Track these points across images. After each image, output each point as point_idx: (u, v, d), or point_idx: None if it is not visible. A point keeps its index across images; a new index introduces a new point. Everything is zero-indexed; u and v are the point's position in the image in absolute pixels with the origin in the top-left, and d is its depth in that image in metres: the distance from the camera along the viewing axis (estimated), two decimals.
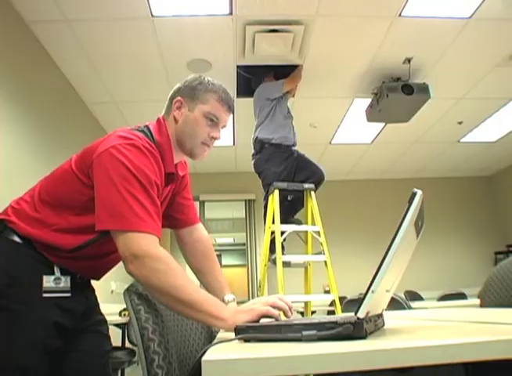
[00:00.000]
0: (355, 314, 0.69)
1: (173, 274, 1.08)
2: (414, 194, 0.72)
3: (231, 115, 1.47)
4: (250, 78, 4.27)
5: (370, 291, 0.69)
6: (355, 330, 0.68)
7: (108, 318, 1.50)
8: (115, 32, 3.59)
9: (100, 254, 1.34)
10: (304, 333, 0.70)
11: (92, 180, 1.21)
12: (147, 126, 1.38)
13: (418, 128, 5.66)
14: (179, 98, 1.41)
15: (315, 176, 3.51)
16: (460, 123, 5.63)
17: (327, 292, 3.26)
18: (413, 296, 5.33)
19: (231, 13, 3.43)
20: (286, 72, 4.07)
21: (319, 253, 3.20)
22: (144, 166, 1.19)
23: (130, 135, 1.25)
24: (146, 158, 1.21)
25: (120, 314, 3.62)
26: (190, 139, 1.38)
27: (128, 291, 1.08)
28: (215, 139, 1.42)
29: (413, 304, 2.79)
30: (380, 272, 0.68)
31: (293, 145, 3.66)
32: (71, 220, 1.27)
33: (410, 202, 0.71)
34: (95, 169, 1.20)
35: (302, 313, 4.11)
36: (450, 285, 5.89)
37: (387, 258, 0.68)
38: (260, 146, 3.60)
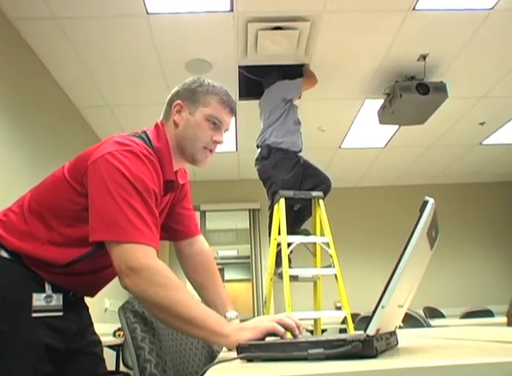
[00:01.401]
0: (365, 331, 0.70)
1: (172, 288, 1.09)
2: (426, 203, 0.73)
3: (233, 118, 1.49)
4: (254, 80, 4.28)
5: (380, 307, 0.70)
6: (365, 349, 0.68)
7: (101, 339, 1.50)
8: (108, 31, 3.63)
9: (95, 269, 1.35)
10: (311, 351, 0.70)
11: (86, 188, 1.23)
12: (145, 132, 1.40)
13: (435, 131, 5.67)
14: (179, 101, 1.43)
15: (323, 184, 3.54)
16: (482, 124, 5.61)
17: (339, 309, 3.25)
18: (433, 313, 5.30)
19: (232, 10, 3.46)
20: (293, 73, 4.08)
21: (329, 266, 3.21)
22: (142, 173, 1.20)
23: (127, 141, 1.27)
24: (143, 165, 1.23)
25: (114, 334, 3.63)
26: (192, 144, 1.41)
27: (123, 309, 1.09)
28: (218, 143, 1.44)
29: (433, 321, 2.78)
30: (391, 285, 0.69)
31: (300, 151, 3.70)
32: (64, 232, 1.28)
33: (422, 211, 0.72)
34: (89, 176, 1.22)
35: (312, 332, 4.10)
36: (474, 301, 5.85)
37: (397, 271, 0.69)
38: (267, 150, 3.62)
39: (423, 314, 3.17)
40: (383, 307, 0.70)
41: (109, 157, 1.20)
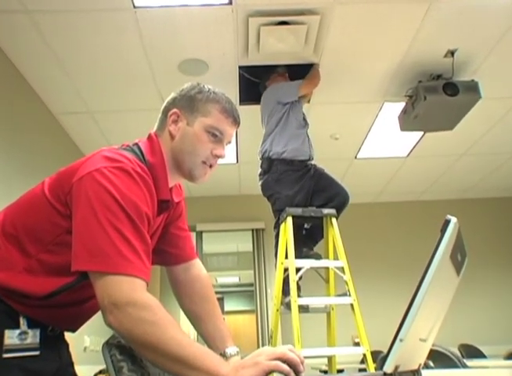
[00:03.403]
0: (381, 368, 0.71)
1: (162, 325, 1.10)
2: (447, 222, 0.74)
3: (236, 130, 1.52)
4: (256, 82, 4.33)
5: (398, 340, 0.71)
6: None
7: None
8: (89, 27, 3.66)
9: (78, 301, 1.36)
10: None
11: (70, 209, 1.24)
12: (137, 144, 1.43)
13: (466, 137, 5.67)
14: (175, 110, 1.47)
15: (336, 198, 3.55)
16: None
17: (357, 344, 3.23)
18: (471, 351, 5.21)
19: (230, 2, 3.50)
20: (301, 73, 4.12)
21: (344, 294, 3.20)
22: (134, 195, 1.22)
23: (117, 157, 1.29)
24: (136, 185, 1.25)
25: None
26: (190, 158, 1.44)
27: (108, 345, 1.11)
28: (219, 157, 1.47)
29: (470, 362, 2.76)
30: (410, 316, 0.70)
31: (309, 159, 3.72)
32: (43, 259, 1.29)
33: (443, 231, 0.73)
34: (74, 196, 1.23)
35: (325, 372, 4.08)
36: None
37: (416, 300, 0.70)
38: (268, 163, 3.66)
39: (458, 353, 3.15)
40: (401, 340, 0.70)
41: (97, 175, 1.22)
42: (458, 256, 0.83)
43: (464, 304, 6.27)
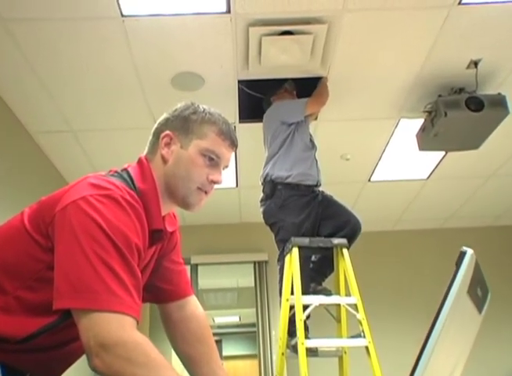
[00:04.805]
0: None
1: (155, 367, 1.11)
2: (463, 254, 0.75)
3: (233, 153, 1.56)
4: (257, 97, 4.38)
5: None
6: None
7: None
8: (71, 37, 3.68)
9: (60, 343, 1.37)
10: None
11: (52, 241, 1.26)
12: (126, 170, 1.46)
13: (494, 157, 5.67)
14: (168, 132, 1.51)
15: (347, 227, 3.56)
16: None
17: None
18: None
19: (229, 11, 3.54)
20: (307, 88, 4.16)
21: (358, 336, 3.19)
22: (123, 224, 1.25)
23: (105, 184, 1.32)
24: (125, 214, 1.27)
25: None
26: (184, 184, 1.47)
27: None
28: (215, 183, 1.51)
29: None
30: (423, 358, 0.71)
31: (317, 185, 3.74)
32: (22, 296, 1.29)
33: (458, 265, 0.75)
34: (56, 227, 1.26)
35: None
36: None
37: (430, 340, 0.71)
38: (271, 187, 3.67)
39: None
40: None
41: (83, 204, 1.24)
42: (478, 291, 0.83)
43: (495, 348, 6.24)
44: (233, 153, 1.58)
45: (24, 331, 1.28)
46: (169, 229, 1.55)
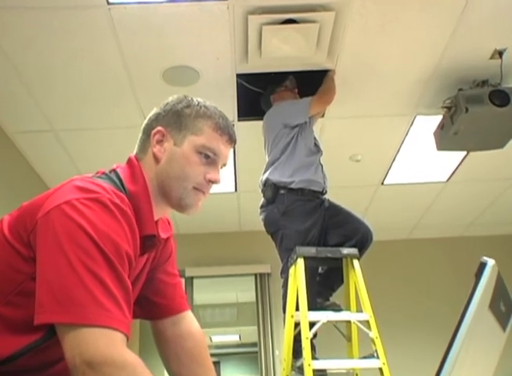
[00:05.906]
0: None
1: None
2: (483, 265, 0.74)
3: (232, 149, 1.56)
4: (257, 93, 4.39)
5: None
6: None
7: None
8: (51, 27, 3.67)
9: (44, 365, 1.36)
10: None
11: (34, 251, 1.25)
12: (115, 171, 1.46)
13: None
14: (160, 128, 1.51)
15: (356, 236, 3.56)
16: None
17: None
18: None
19: None
20: (312, 82, 4.15)
21: (371, 356, 3.19)
22: (111, 230, 1.24)
23: (92, 186, 1.31)
24: (114, 219, 1.27)
25: None
26: (179, 184, 1.47)
27: None
28: (214, 182, 1.51)
29: None
30: None
31: (323, 192, 3.74)
32: (2, 313, 1.29)
33: (478, 277, 0.74)
34: (39, 234, 1.25)
35: None
36: None
37: (448, 360, 0.70)
38: (272, 192, 3.66)
39: None
40: None
41: (67, 208, 1.24)
42: (501, 307, 0.82)
43: None
44: (232, 151, 1.58)
45: (4, 352, 1.27)
46: (162, 235, 1.54)
